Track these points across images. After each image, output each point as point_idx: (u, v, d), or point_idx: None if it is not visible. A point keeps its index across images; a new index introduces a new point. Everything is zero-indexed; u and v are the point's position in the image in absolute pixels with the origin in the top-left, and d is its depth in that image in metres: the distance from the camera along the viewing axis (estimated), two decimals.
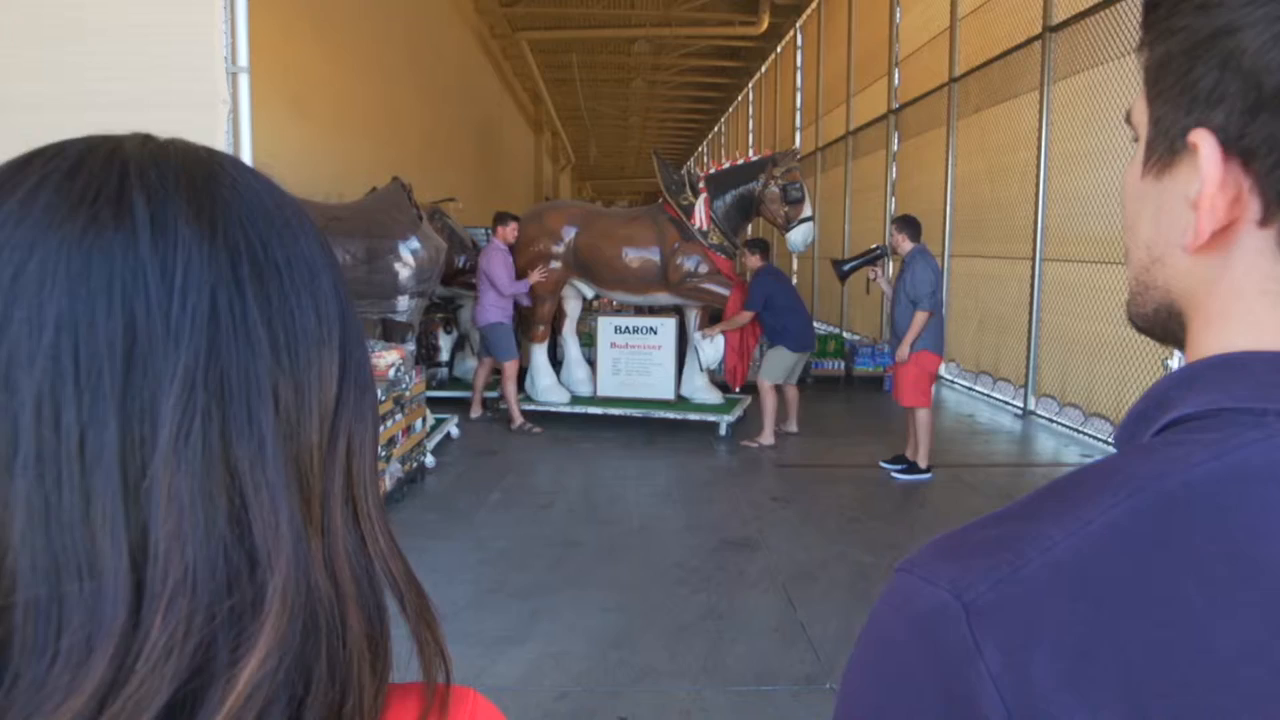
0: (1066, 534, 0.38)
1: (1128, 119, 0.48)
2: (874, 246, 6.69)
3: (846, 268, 6.49)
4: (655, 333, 7.41)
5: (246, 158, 2.77)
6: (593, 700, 3.01)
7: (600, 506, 5.33)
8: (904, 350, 5.71)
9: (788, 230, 7.02)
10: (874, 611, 0.42)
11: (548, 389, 7.55)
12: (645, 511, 5.25)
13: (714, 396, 7.48)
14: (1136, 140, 0.48)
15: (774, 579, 4.10)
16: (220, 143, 2.70)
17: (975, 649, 0.37)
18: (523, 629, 3.53)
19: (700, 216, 7.07)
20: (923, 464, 5.83)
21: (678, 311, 7.58)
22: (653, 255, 7.17)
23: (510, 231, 7.14)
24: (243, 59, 2.74)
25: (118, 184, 0.38)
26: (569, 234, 7.32)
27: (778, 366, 6.79)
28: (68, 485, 0.34)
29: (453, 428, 6.89)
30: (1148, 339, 0.52)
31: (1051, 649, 0.36)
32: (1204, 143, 0.41)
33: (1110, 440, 6.66)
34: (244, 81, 2.75)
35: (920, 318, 5.59)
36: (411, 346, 6.22)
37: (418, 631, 0.45)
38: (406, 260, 6.01)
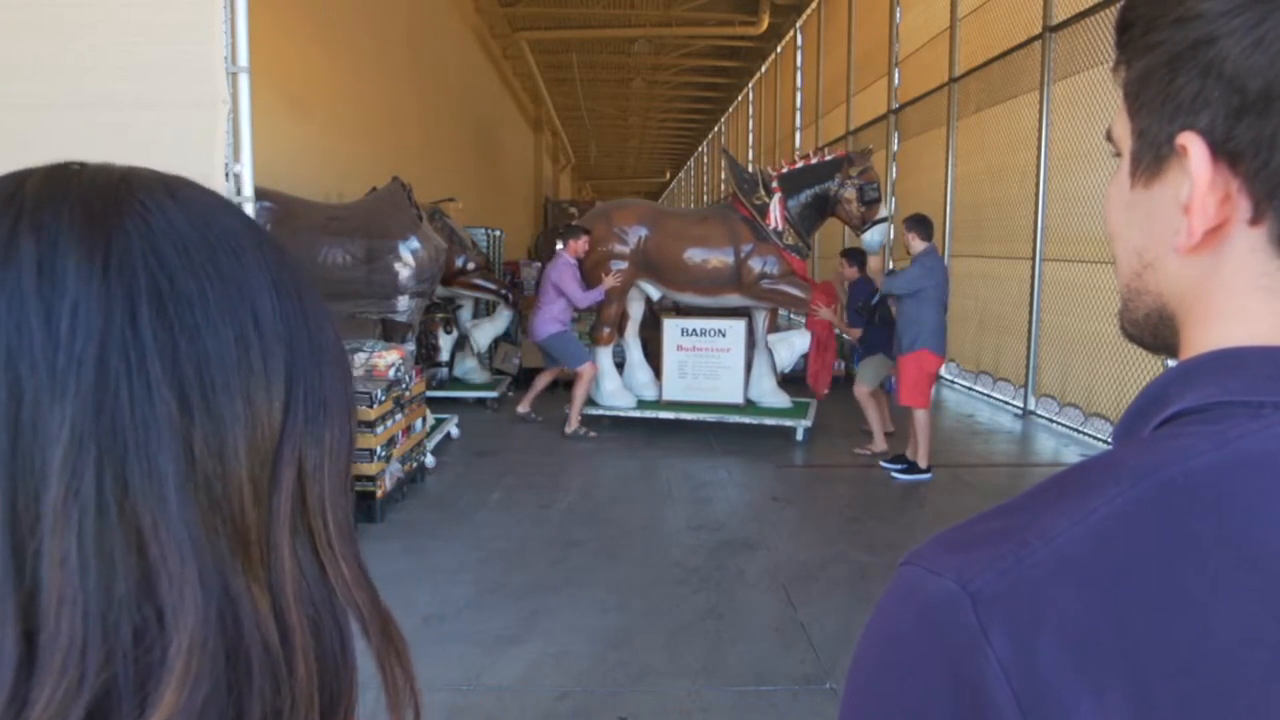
0: (1071, 523, 0.39)
1: (1108, 136, 0.50)
2: None
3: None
4: (724, 335, 7.18)
5: (246, 158, 2.77)
6: (593, 700, 3.01)
7: (600, 506, 5.33)
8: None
9: (863, 231, 6.90)
10: (879, 605, 0.43)
11: (613, 394, 7.33)
12: (645, 511, 5.25)
13: (783, 400, 7.37)
14: (1117, 155, 0.50)
15: (774, 579, 4.10)
16: (220, 143, 2.70)
17: (982, 636, 0.37)
18: (523, 629, 3.53)
19: (775, 216, 6.89)
20: (922, 464, 5.83)
21: (746, 314, 7.39)
22: (726, 256, 6.94)
23: (581, 245, 6.96)
24: (243, 59, 2.74)
25: (9, 229, 0.35)
26: (638, 234, 7.10)
27: (879, 373, 6.73)
28: None
29: (453, 428, 6.89)
30: None
31: (1057, 635, 0.36)
32: (1193, 145, 0.42)
33: (1110, 440, 6.65)
34: (244, 81, 2.75)
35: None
36: (411, 346, 6.21)
37: (385, 665, 0.42)
38: (406, 260, 6.00)
